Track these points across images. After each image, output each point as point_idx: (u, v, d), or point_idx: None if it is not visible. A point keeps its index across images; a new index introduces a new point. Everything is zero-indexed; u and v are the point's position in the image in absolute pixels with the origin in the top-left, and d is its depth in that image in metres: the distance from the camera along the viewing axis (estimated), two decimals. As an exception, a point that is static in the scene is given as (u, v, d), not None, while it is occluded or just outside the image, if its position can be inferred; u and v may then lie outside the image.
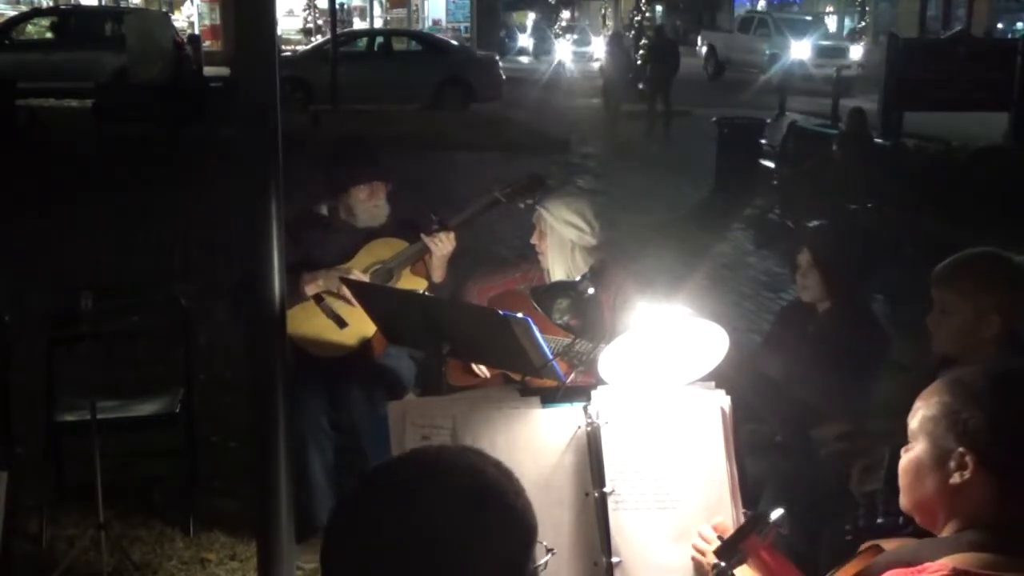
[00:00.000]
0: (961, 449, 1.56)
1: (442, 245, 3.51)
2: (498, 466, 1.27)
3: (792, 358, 3.28)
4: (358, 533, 1.18)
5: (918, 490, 1.66)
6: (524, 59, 33.83)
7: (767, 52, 24.18)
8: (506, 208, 3.56)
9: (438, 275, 3.58)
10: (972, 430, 1.56)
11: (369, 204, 3.63)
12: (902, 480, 1.69)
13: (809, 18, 28.32)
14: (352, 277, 3.39)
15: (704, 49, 28.31)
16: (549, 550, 1.36)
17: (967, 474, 1.56)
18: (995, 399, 1.57)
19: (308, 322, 3.51)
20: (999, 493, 1.55)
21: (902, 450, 1.71)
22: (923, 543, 1.65)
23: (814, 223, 4.34)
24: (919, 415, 1.66)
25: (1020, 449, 1.55)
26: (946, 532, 1.62)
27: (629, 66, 15.19)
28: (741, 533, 1.87)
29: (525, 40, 36.40)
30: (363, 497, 1.22)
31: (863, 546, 1.86)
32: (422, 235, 3.52)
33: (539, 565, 1.28)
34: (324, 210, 3.74)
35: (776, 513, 1.83)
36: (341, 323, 3.52)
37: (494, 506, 1.21)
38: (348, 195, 3.63)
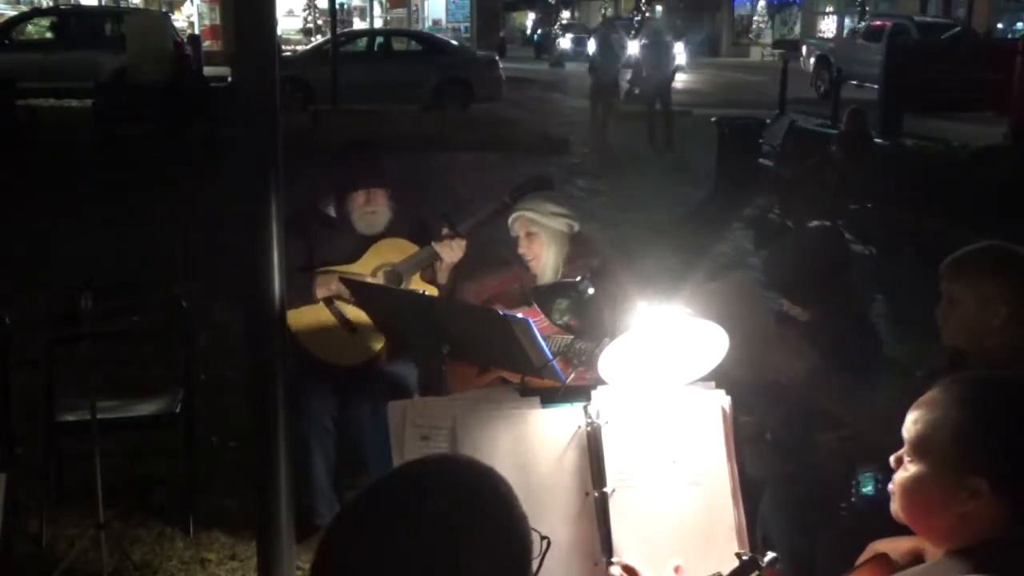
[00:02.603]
0: (977, 478, 1.50)
1: (452, 252, 3.50)
2: (492, 480, 1.26)
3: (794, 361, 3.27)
4: (348, 556, 1.18)
5: (919, 510, 1.60)
6: (538, 64, 32.08)
7: None
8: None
9: (443, 279, 3.58)
10: (989, 458, 1.49)
11: (366, 211, 3.58)
12: (901, 498, 1.63)
13: (956, 25, 22.11)
14: (360, 279, 3.37)
15: (812, 61, 23.61)
16: (544, 538, 1.36)
17: (982, 502, 1.50)
18: (1013, 421, 1.51)
19: (317, 325, 3.49)
20: (1009, 516, 1.50)
21: (891, 458, 1.65)
22: (927, 569, 1.60)
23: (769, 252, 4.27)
24: (920, 430, 1.59)
25: None
26: (941, 552, 1.57)
27: (618, 62, 15.00)
28: None
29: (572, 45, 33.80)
30: (355, 521, 1.21)
31: (871, 552, 1.84)
32: (432, 242, 3.51)
33: (537, 557, 1.28)
34: (331, 211, 3.71)
35: (768, 556, 1.78)
36: (351, 328, 3.51)
37: (486, 527, 1.20)
38: (347, 199, 3.60)
